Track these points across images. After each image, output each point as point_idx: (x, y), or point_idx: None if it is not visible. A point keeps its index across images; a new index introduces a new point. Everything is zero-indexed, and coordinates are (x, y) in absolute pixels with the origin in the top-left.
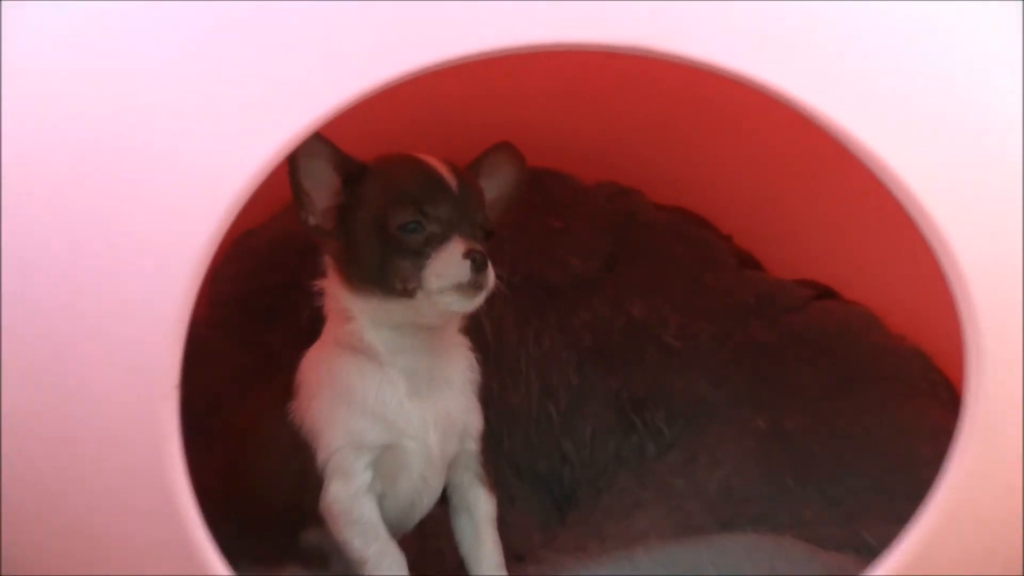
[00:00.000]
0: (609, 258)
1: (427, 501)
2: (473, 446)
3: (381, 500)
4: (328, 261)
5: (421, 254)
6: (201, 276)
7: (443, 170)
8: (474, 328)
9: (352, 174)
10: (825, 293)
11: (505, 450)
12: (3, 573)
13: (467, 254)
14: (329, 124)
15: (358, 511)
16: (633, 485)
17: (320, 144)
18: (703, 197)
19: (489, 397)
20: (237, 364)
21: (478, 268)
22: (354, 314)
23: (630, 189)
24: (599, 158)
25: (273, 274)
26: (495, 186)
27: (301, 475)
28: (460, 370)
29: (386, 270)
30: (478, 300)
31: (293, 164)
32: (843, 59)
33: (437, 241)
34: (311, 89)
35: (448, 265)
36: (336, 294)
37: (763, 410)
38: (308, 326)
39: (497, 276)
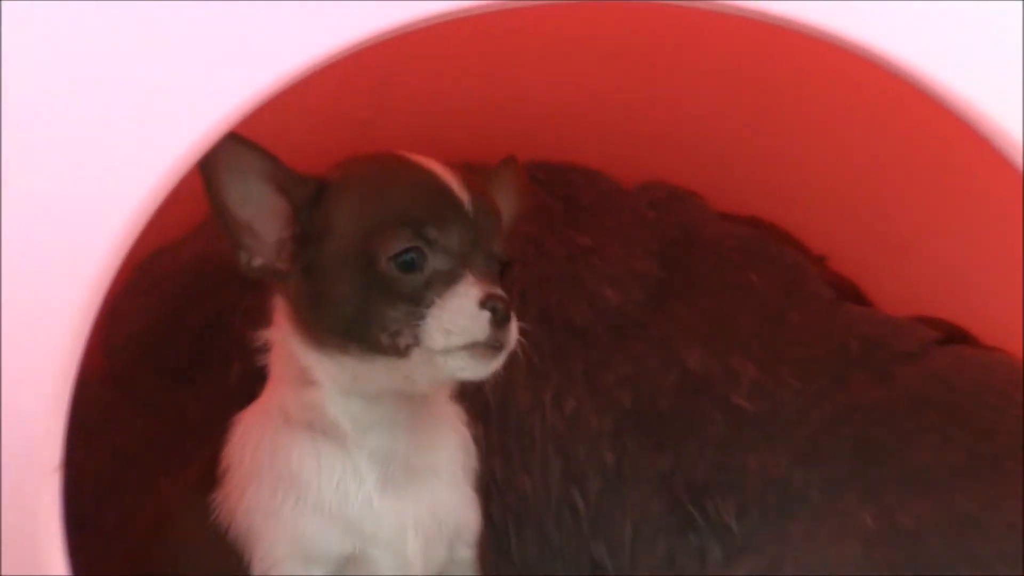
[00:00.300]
0: (657, 289)
1: None
2: (467, 554)
3: None
4: (279, 304)
5: (421, 299)
6: (90, 314)
7: (450, 178)
8: (470, 387)
9: (305, 195)
10: (954, 336)
11: (513, 555)
12: (3, 573)
13: (485, 302)
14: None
15: None
16: None
17: (250, 157)
18: (786, 204)
19: (490, 483)
20: (140, 433)
21: (499, 321)
22: (316, 377)
23: (686, 192)
24: (643, 151)
25: (191, 311)
26: (503, 207)
27: None
28: (450, 453)
29: (369, 320)
30: (496, 364)
31: (216, 189)
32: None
33: (443, 281)
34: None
35: (459, 316)
36: (289, 350)
37: (870, 499)
38: (238, 384)
39: (521, 329)
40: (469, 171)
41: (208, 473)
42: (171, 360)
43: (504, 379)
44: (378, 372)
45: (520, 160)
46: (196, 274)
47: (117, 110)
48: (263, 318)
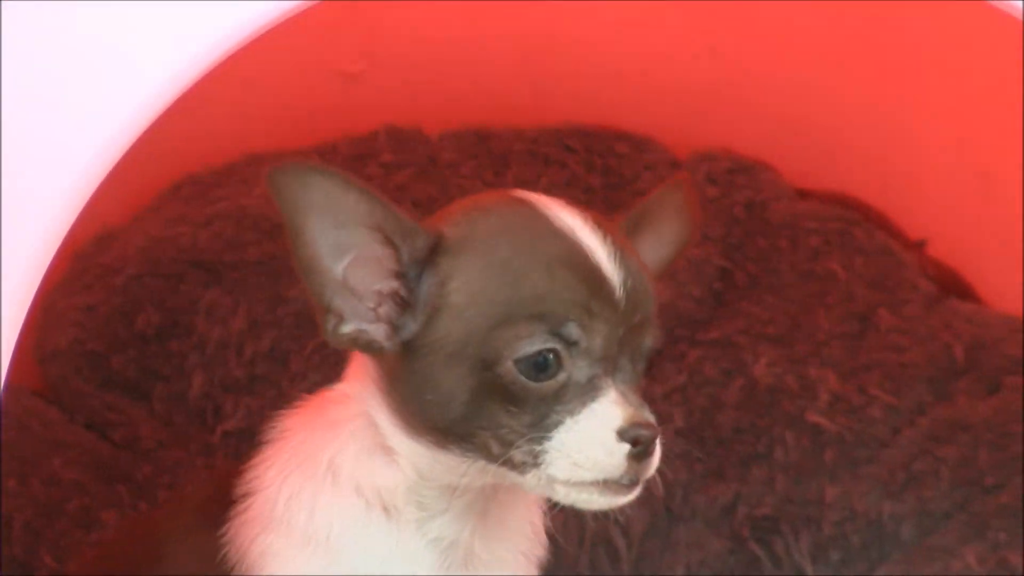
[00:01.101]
0: (718, 281)
1: None
2: None
3: None
4: (374, 371)
5: (548, 413)
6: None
7: (598, 250)
8: None
9: (417, 250)
10: None
11: None
12: (3, 573)
13: (628, 430)
14: None
15: None
16: None
17: (350, 198)
18: (880, 180)
19: None
20: (82, 458)
21: (641, 455)
22: (398, 459)
23: (754, 164)
24: (702, 114)
25: (143, 310)
26: (659, 248)
27: None
28: (518, 542)
29: (479, 425)
30: (629, 498)
31: (304, 239)
32: None
33: (579, 394)
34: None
35: (592, 448)
36: (371, 419)
37: (975, 536)
38: (202, 399)
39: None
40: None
41: (218, 498)
42: (119, 370)
43: None
44: (479, 475)
45: (549, 125)
46: (148, 263)
47: (58, 65)
48: (234, 315)
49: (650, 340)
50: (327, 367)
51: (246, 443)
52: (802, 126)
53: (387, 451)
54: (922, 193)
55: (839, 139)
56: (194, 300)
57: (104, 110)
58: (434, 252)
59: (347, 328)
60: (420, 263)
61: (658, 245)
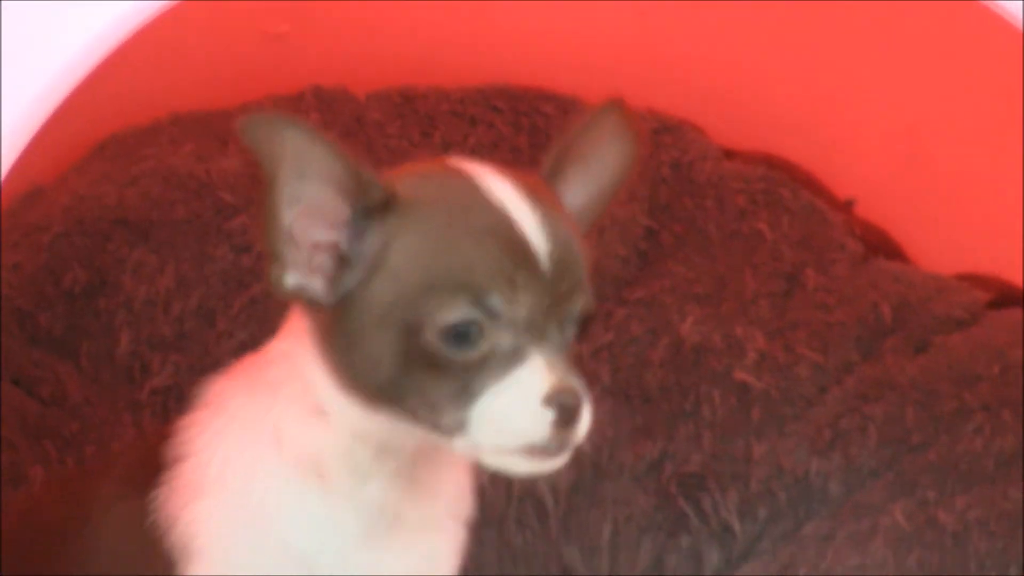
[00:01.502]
0: (644, 241)
1: None
2: None
3: None
4: (309, 327)
5: (471, 381)
6: None
7: (526, 221)
8: None
9: (371, 203)
10: (1007, 297)
11: (465, 563)
12: (3, 573)
13: (552, 397)
14: None
15: None
16: None
17: (317, 154)
18: (806, 140)
19: None
20: (9, 416)
21: (567, 421)
22: (332, 419)
23: (681, 124)
24: (628, 75)
25: (70, 268)
26: (590, 179)
27: None
28: (447, 503)
29: (407, 389)
30: (557, 463)
31: (273, 193)
32: None
33: (503, 362)
34: None
35: (515, 414)
36: (310, 379)
37: (903, 493)
38: (129, 356)
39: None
40: (558, 139)
41: (147, 463)
42: (46, 328)
43: None
44: (410, 437)
45: (475, 85)
46: (75, 221)
47: None
48: (161, 274)
49: (579, 306)
50: (254, 325)
51: (173, 400)
52: (728, 86)
53: (321, 413)
54: (849, 153)
55: (766, 100)
56: (121, 259)
57: (30, 71)
58: (385, 209)
59: (290, 279)
60: (370, 218)
61: (593, 178)
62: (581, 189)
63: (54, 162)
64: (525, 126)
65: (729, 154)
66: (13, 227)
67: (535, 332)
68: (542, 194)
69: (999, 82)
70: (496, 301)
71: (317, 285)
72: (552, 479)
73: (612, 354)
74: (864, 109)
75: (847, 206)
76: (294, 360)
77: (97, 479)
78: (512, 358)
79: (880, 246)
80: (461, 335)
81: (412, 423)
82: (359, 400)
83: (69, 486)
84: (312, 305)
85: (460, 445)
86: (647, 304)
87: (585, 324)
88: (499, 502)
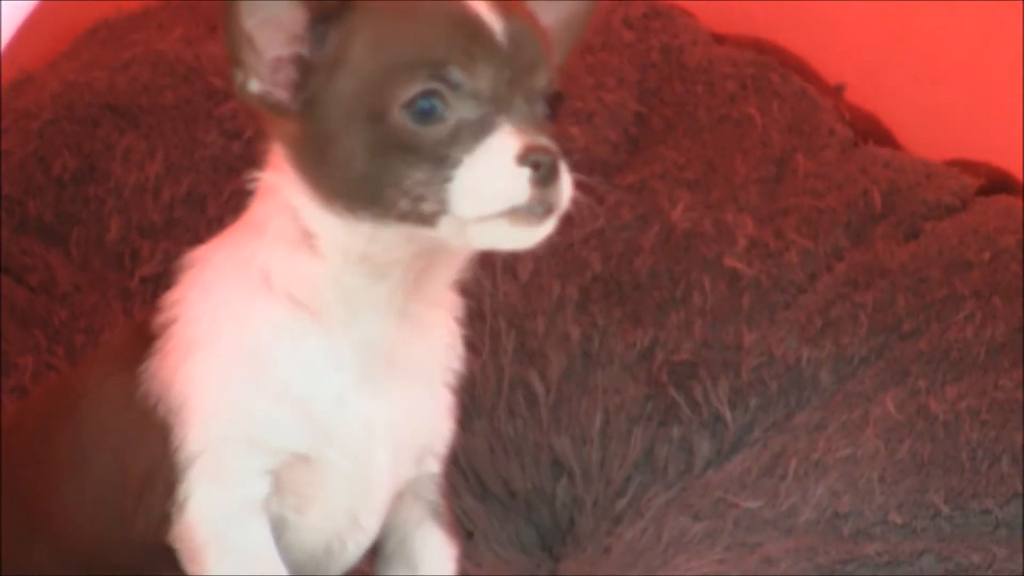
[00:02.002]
0: (634, 126)
1: (352, 550)
2: (434, 467)
3: (278, 532)
4: (281, 149)
5: (446, 157)
6: None
7: (483, 4)
8: None
9: (327, 7)
10: (998, 183)
11: (457, 453)
12: (3, 573)
13: (525, 155)
14: None
15: (238, 535)
16: (674, 510)
17: None
18: (795, 24)
19: None
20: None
21: (544, 178)
22: (320, 244)
23: (670, 8)
24: None
25: (59, 155)
26: (556, 8)
27: (144, 481)
28: (436, 350)
29: (383, 181)
30: (544, 231)
31: None
32: None
33: (473, 133)
34: None
35: (493, 177)
36: (290, 203)
37: (893, 382)
38: (119, 243)
39: (578, 182)
40: None
41: (135, 339)
42: (35, 215)
43: None
44: (396, 239)
45: None
46: (64, 108)
47: None
48: (151, 159)
49: (543, 81)
50: (244, 211)
51: (164, 288)
52: None
53: (309, 238)
54: (839, 37)
55: None
56: (110, 145)
57: None
58: (343, 7)
59: (254, 86)
60: (328, 22)
61: (552, 8)
62: (548, 11)
63: (43, 48)
64: None
65: (719, 39)
66: (1, 114)
67: (500, 103)
68: None
69: None
70: (455, 73)
71: (282, 92)
72: (543, 366)
73: (602, 241)
74: None
75: (837, 91)
76: (277, 190)
77: (86, 367)
78: (481, 129)
79: (870, 131)
80: (426, 111)
81: (395, 222)
82: (341, 210)
83: (59, 382)
84: (279, 113)
85: (446, 229)
86: (637, 190)
87: (554, 104)
88: (489, 392)
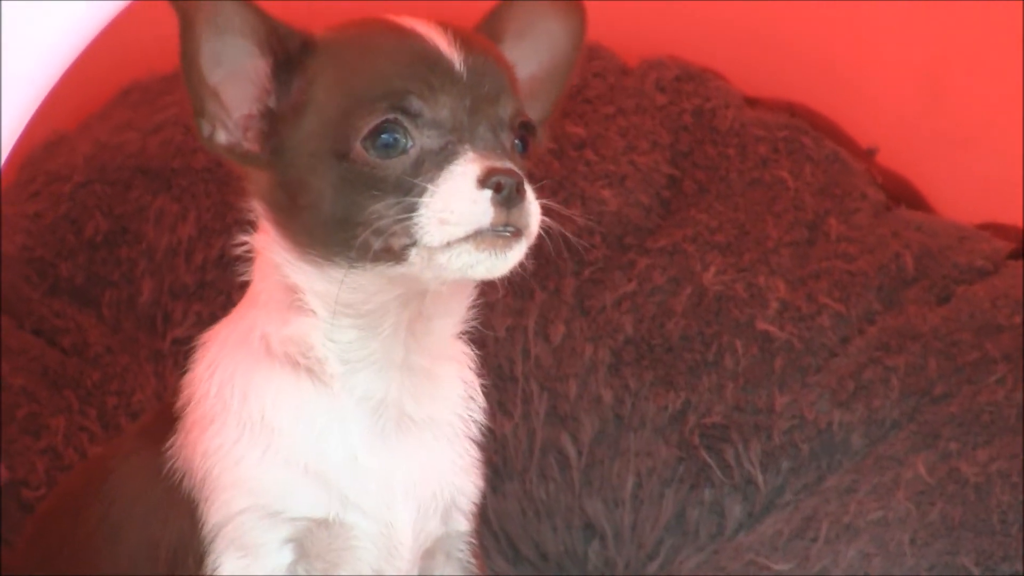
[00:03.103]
0: (666, 189)
1: None
2: (463, 526)
3: None
4: (259, 206)
5: (411, 188)
6: None
7: (437, 37)
8: None
9: (290, 55)
10: None
11: (485, 513)
12: (3, 574)
13: (486, 178)
14: None
15: None
16: (705, 573)
17: (232, 8)
18: (827, 86)
19: None
20: (30, 365)
21: (508, 200)
22: (306, 300)
23: (703, 72)
24: (651, 20)
25: (92, 216)
26: (536, 54)
27: (175, 555)
28: (451, 402)
29: (353, 219)
30: (514, 256)
31: (189, 43)
32: None
33: (436, 162)
34: None
35: (456, 201)
36: (276, 260)
37: (924, 445)
38: (151, 305)
39: (545, 210)
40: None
41: (162, 418)
42: (67, 277)
43: (477, 299)
44: (376, 284)
45: None
46: (96, 170)
47: None
48: (183, 222)
49: (508, 111)
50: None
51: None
52: (750, 34)
53: (294, 294)
54: (871, 101)
55: (788, 47)
56: (142, 207)
57: (53, 17)
58: (304, 54)
59: (220, 138)
60: (291, 68)
61: (537, 51)
62: (527, 62)
63: (76, 109)
64: None
65: (751, 102)
66: (33, 176)
67: (462, 132)
68: (460, 27)
69: (1018, 28)
70: (414, 102)
71: (252, 144)
72: (575, 429)
73: (634, 304)
74: (884, 56)
75: (869, 155)
76: (261, 251)
77: (116, 442)
78: (443, 157)
79: (902, 195)
80: (388, 144)
81: (370, 264)
82: (316, 257)
83: (92, 456)
84: (249, 163)
85: (416, 262)
86: (669, 253)
87: (526, 137)
88: (521, 454)
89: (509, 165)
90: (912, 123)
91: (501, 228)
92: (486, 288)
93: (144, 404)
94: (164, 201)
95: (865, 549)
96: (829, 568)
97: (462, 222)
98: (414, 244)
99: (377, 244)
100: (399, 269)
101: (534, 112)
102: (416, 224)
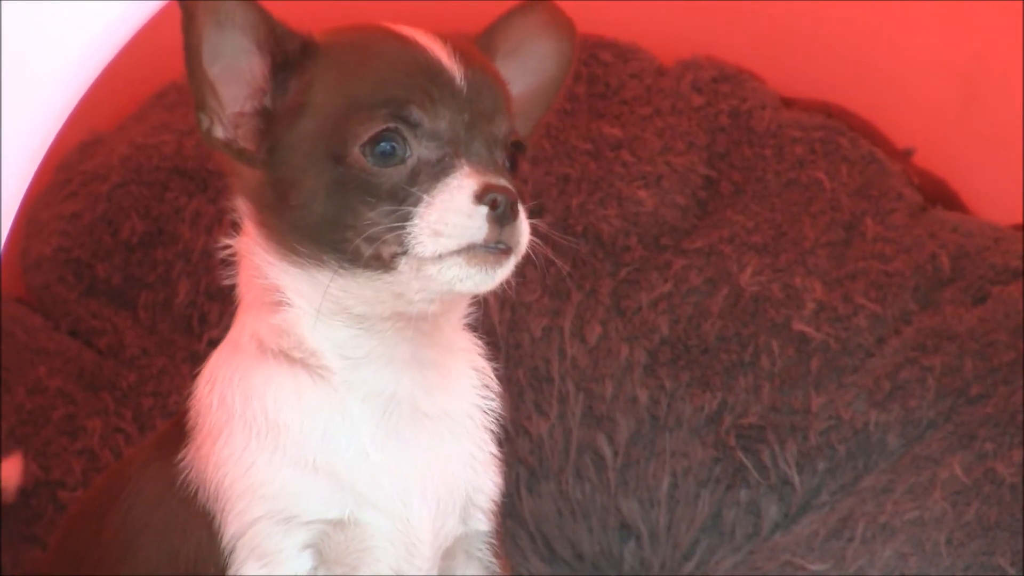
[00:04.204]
0: (702, 190)
1: None
2: (483, 525)
3: None
4: (244, 205)
5: (405, 197)
6: (5, 221)
7: (439, 50)
8: (471, 310)
9: (289, 56)
10: None
11: (525, 515)
12: (3, 573)
13: (483, 194)
14: None
15: None
16: (741, 573)
17: (240, 6)
18: (864, 87)
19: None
20: (66, 366)
21: (502, 218)
22: (288, 296)
23: (740, 73)
24: (688, 21)
25: (127, 218)
26: (525, 72)
27: (194, 566)
28: (465, 394)
29: (343, 223)
30: (502, 272)
31: (191, 37)
32: None
33: (432, 174)
34: None
35: (451, 214)
36: (257, 262)
37: (961, 446)
38: (187, 306)
39: (534, 230)
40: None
41: (175, 429)
42: (103, 278)
43: (513, 300)
44: (361, 290)
45: None
46: (132, 171)
47: None
48: (220, 224)
49: (502, 129)
50: None
51: None
52: (787, 34)
53: (275, 292)
54: (908, 101)
55: (824, 47)
56: (179, 208)
57: (90, 18)
58: (303, 56)
59: (218, 132)
60: (289, 68)
61: (526, 69)
62: (517, 79)
63: (113, 111)
64: (583, 74)
65: (788, 102)
66: (69, 178)
67: (459, 145)
68: (459, 39)
69: None
70: (415, 112)
71: (247, 142)
72: (611, 429)
73: (671, 304)
74: (921, 57)
75: (905, 155)
76: (244, 254)
77: (135, 451)
78: (440, 169)
79: (938, 196)
80: (386, 153)
81: (359, 268)
82: (302, 259)
83: (115, 463)
84: (243, 161)
85: (406, 272)
86: (706, 254)
87: (516, 156)
88: (557, 455)
89: (504, 183)
90: (949, 124)
91: (492, 245)
92: (522, 288)
93: (180, 406)
94: (200, 203)
95: (901, 549)
96: (865, 568)
97: (455, 235)
98: (404, 253)
99: (368, 251)
100: (386, 278)
101: (519, 129)
102: (409, 234)
